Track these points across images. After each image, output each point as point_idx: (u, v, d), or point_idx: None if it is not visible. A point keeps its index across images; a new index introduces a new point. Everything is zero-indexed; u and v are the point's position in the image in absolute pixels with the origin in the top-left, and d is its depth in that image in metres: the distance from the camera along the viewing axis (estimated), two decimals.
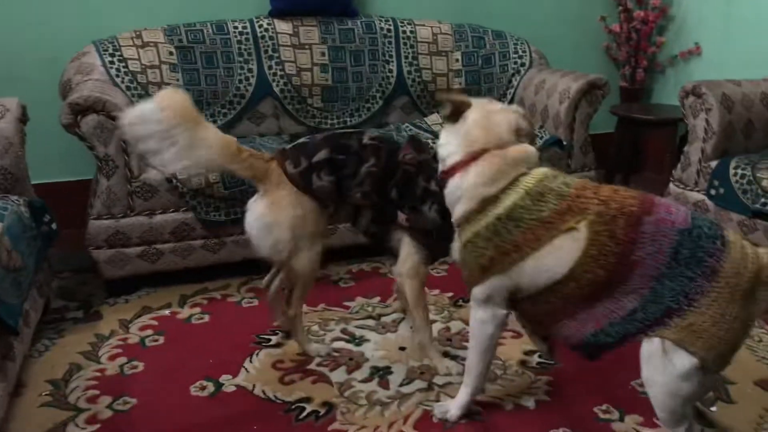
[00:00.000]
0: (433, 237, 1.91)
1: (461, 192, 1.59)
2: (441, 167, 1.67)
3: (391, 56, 3.26)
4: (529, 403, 1.86)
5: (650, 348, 1.43)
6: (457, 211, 1.62)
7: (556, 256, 1.47)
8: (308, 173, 1.88)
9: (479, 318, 1.65)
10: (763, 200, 2.39)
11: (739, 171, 2.52)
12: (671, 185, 2.86)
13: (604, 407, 1.84)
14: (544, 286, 1.51)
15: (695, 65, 3.82)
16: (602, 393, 1.90)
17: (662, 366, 1.41)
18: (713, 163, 2.65)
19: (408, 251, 1.97)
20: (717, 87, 2.69)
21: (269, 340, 2.20)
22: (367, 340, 2.20)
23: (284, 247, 1.90)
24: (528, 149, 1.62)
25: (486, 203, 1.55)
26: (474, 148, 1.59)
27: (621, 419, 1.79)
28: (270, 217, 1.88)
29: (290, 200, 1.88)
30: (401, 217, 1.92)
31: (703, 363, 1.38)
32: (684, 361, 1.38)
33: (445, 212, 1.73)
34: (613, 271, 1.43)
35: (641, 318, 1.42)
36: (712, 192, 2.62)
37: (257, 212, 1.91)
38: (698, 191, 2.71)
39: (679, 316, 1.38)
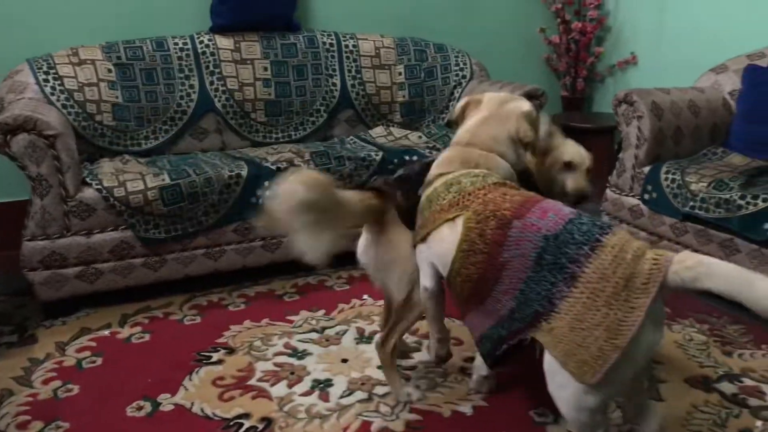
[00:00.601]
0: None
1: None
2: None
3: (334, 70, 3.28)
4: (467, 409, 1.88)
5: (548, 358, 1.39)
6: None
7: (442, 246, 1.56)
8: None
9: (421, 285, 1.74)
10: (692, 203, 2.48)
11: (670, 176, 2.61)
12: (608, 191, 2.94)
13: (539, 410, 1.87)
14: (446, 273, 1.58)
15: (632, 74, 3.95)
16: (538, 396, 1.92)
17: (558, 379, 1.39)
18: (646, 169, 2.73)
19: None
20: (647, 95, 2.78)
21: (210, 357, 2.18)
22: (310, 354, 2.20)
23: (408, 280, 1.81)
24: (496, 161, 1.68)
25: (426, 186, 1.70)
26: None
27: (555, 421, 1.82)
28: (393, 253, 1.82)
29: (407, 233, 1.78)
30: None
31: (564, 368, 1.34)
32: (555, 371, 1.37)
33: None
34: (484, 270, 1.47)
35: (520, 318, 1.43)
36: (646, 197, 2.71)
37: (380, 251, 1.84)
38: (633, 196, 2.79)
39: (546, 320, 1.37)
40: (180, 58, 3.01)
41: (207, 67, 3.05)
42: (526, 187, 1.67)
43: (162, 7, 3.16)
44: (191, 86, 3.01)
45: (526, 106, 1.77)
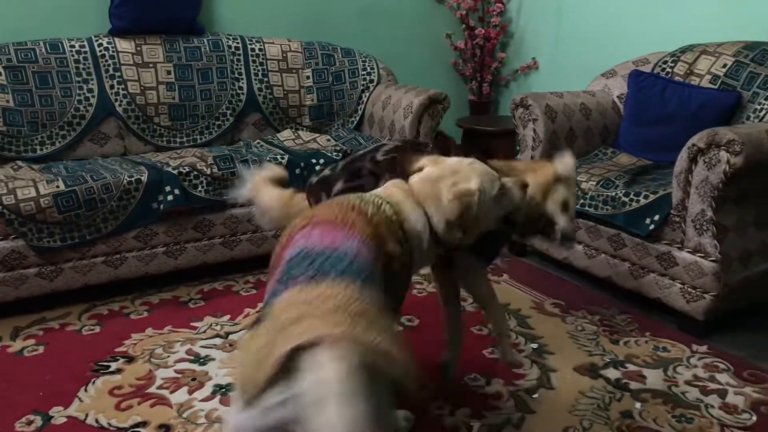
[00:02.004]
0: None
1: None
2: None
3: (240, 73, 3.27)
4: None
5: None
6: None
7: None
8: None
9: None
10: (582, 201, 2.62)
11: None
12: None
13: (437, 403, 1.93)
14: None
15: (534, 78, 4.13)
16: (436, 390, 2.00)
17: None
18: None
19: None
20: (541, 99, 2.92)
21: (108, 367, 2.13)
22: (213, 359, 2.18)
23: None
24: (412, 208, 1.52)
25: None
26: None
27: (452, 413, 1.89)
28: None
29: None
30: None
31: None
32: None
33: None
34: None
35: None
36: None
37: None
38: None
39: None
40: (77, 61, 2.92)
41: (107, 71, 2.98)
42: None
43: (56, 8, 3.06)
44: (90, 90, 2.93)
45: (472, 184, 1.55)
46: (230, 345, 2.27)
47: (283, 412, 1.04)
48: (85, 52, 2.95)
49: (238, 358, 1.25)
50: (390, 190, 1.57)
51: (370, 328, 1.07)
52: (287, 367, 1.02)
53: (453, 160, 1.62)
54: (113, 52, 3.00)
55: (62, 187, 2.37)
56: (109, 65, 2.98)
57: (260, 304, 2.50)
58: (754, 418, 1.88)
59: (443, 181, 1.55)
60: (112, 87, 2.97)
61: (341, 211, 1.38)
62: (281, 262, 1.29)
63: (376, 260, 1.29)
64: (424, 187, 1.56)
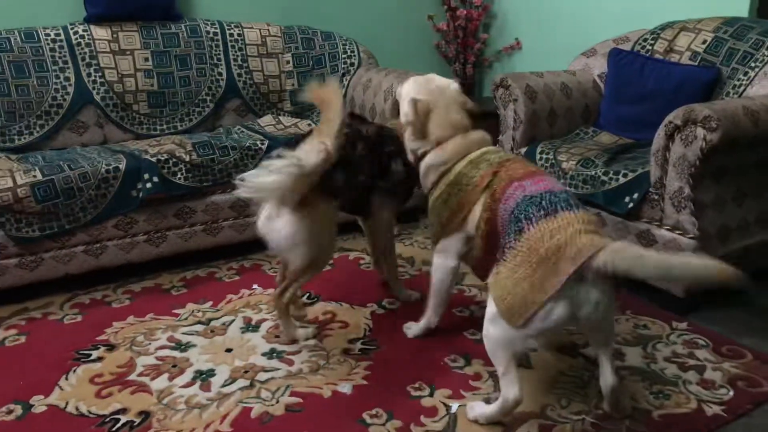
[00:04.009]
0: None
1: (427, 169, 2.01)
2: (412, 155, 2.05)
3: (219, 59, 3.24)
4: (346, 389, 1.93)
5: (489, 299, 1.64)
6: (425, 184, 2.05)
7: (475, 213, 1.85)
8: None
9: (435, 265, 2.05)
10: (562, 181, 2.62)
11: (544, 155, 2.74)
12: None
13: (417, 385, 1.94)
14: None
15: (517, 59, 4.11)
16: (416, 372, 2.01)
17: (491, 317, 1.64)
18: (523, 150, 2.86)
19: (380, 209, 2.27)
20: (521, 79, 2.90)
21: (89, 355, 2.13)
22: (194, 346, 2.18)
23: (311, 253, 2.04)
24: (484, 135, 2.02)
25: (441, 175, 1.96)
26: (437, 138, 1.98)
27: (431, 394, 1.90)
28: (305, 230, 1.99)
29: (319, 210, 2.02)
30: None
31: (497, 310, 1.58)
32: (492, 307, 1.62)
33: (406, 164, 2.14)
34: (490, 225, 1.77)
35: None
36: None
37: (293, 225, 1.98)
38: None
39: (498, 266, 1.62)
40: (53, 50, 2.89)
41: (83, 59, 2.95)
42: None
43: None
44: (66, 78, 2.90)
45: (453, 84, 2.11)
46: (211, 331, 2.27)
47: (563, 311, 1.50)
48: (61, 41, 2.92)
49: (498, 292, 1.58)
50: (466, 141, 1.98)
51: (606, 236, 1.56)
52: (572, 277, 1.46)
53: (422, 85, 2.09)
54: (89, 39, 2.97)
55: (39, 176, 2.36)
56: (85, 53, 2.95)
57: (243, 290, 2.52)
58: (731, 393, 1.90)
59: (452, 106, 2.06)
60: (89, 75, 2.95)
61: (525, 166, 1.83)
62: (501, 215, 1.69)
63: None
64: (447, 121, 2.02)
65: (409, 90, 2.05)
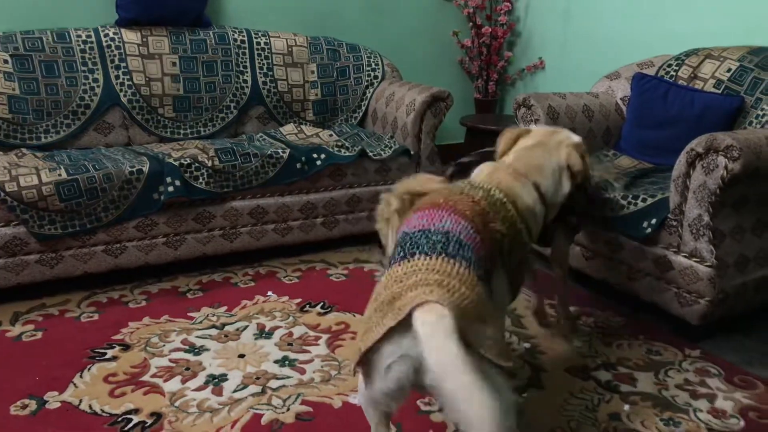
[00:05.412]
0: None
1: None
2: None
3: (245, 67, 3.29)
4: (357, 400, 1.94)
5: None
6: None
7: None
8: None
9: None
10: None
11: None
12: None
13: (426, 400, 1.94)
14: None
15: (540, 78, 4.12)
16: None
17: None
18: None
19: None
20: (544, 99, 2.91)
21: (104, 354, 2.16)
22: (207, 350, 2.20)
23: None
24: (522, 187, 1.77)
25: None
26: None
27: (440, 410, 1.90)
28: None
29: None
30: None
31: None
32: None
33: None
34: None
35: None
36: None
37: None
38: None
39: None
40: (83, 51, 2.95)
41: (112, 61, 3.00)
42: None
43: None
44: (95, 80, 2.96)
45: (576, 137, 1.93)
46: (225, 336, 2.30)
47: (399, 370, 1.25)
48: (92, 42, 2.98)
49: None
50: (495, 175, 1.72)
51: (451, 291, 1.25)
52: (395, 330, 1.23)
53: (539, 129, 1.94)
54: (119, 42, 3.03)
55: (64, 175, 2.40)
56: (114, 56, 3.01)
57: (258, 296, 2.54)
58: (742, 423, 1.88)
59: (541, 148, 1.85)
60: (117, 77, 3.00)
61: (447, 196, 1.53)
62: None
63: (480, 237, 1.44)
64: (522, 158, 1.81)
65: None
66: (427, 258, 1.31)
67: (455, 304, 1.22)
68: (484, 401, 1.11)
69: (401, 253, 1.36)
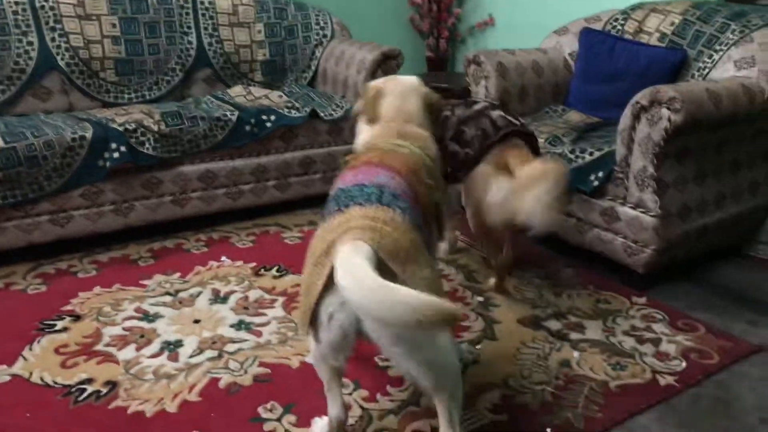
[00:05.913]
0: None
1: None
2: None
3: (189, 27, 3.18)
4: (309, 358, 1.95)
5: None
6: None
7: None
8: None
9: None
10: None
11: None
12: None
13: (384, 356, 1.97)
14: None
15: (490, 35, 4.11)
16: None
17: None
18: None
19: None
20: (494, 56, 2.92)
21: (54, 325, 2.11)
22: (162, 317, 2.18)
23: None
24: (424, 134, 1.86)
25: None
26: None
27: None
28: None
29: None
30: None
31: None
32: None
33: None
34: None
35: None
36: None
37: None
38: None
39: None
40: (15, 12, 2.80)
41: (47, 23, 2.86)
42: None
43: None
44: (29, 43, 2.82)
45: (414, 78, 1.99)
46: (180, 303, 2.27)
47: (340, 318, 1.27)
48: (24, 3, 2.83)
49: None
50: (405, 131, 1.78)
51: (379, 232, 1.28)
52: (330, 285, 1.24)
53: (385, 84, 1.95)
54: (53, 3, 2.88)
55: (1, 143, 2.31)
56: (49, 17, 2.87)
57: (212, 262, 2.51)
58: (684, 364, 1.97)
59: (405, 99, 1.90)
60: (53, 40, 2.87)
61: (378, 155, 1.59)
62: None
63: (415, 192, 1.50)
64: (402, 114, 1.86)
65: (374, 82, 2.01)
66: (362, 208, 1.34)
67: (383, 245, 1.25)
68: (403, 293, 1.12)
69: (336, 207, 1.38)
